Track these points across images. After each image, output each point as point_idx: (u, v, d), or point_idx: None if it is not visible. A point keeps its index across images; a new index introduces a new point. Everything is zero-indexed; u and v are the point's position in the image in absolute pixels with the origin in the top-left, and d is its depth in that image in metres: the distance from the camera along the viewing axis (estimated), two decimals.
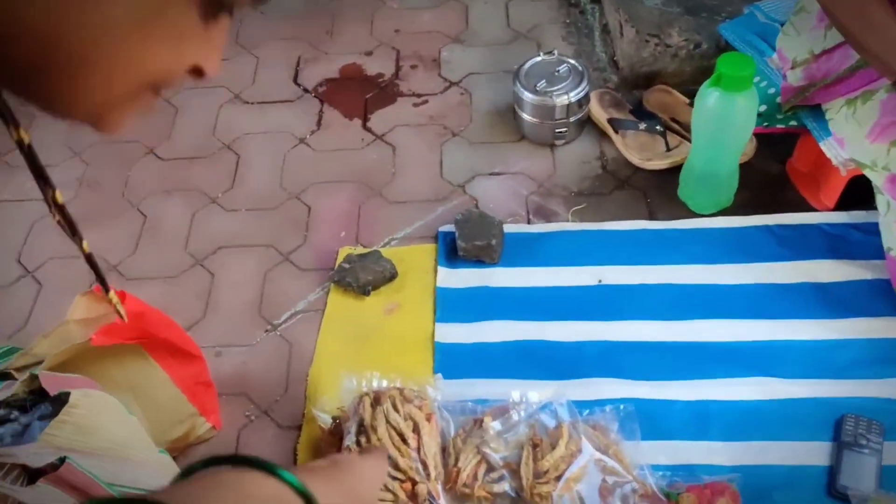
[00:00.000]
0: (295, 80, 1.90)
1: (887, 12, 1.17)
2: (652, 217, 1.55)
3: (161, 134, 1.81)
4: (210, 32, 0.49)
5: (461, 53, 1.92)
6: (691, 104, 1.50)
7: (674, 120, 1.65)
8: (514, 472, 1.15)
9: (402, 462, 1.12)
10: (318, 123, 1.80)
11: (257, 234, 1.59)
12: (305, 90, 1.88)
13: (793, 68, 1.42)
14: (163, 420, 1.21)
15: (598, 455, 1.14)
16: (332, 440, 1.23)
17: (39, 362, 0.98)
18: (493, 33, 1.97)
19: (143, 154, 1.78)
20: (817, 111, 1.43)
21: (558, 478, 1.12)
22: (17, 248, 1.61)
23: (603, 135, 1.70)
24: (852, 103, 1.32)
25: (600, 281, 1.46)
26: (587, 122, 1.71)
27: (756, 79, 1.46)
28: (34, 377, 0.93)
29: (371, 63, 1.93)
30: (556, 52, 1.70)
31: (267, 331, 1.44)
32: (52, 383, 0.90)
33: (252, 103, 1.86)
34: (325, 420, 1.25)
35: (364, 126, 1.79)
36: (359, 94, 1.85)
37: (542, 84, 1.64)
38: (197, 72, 0.52)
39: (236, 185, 1.69)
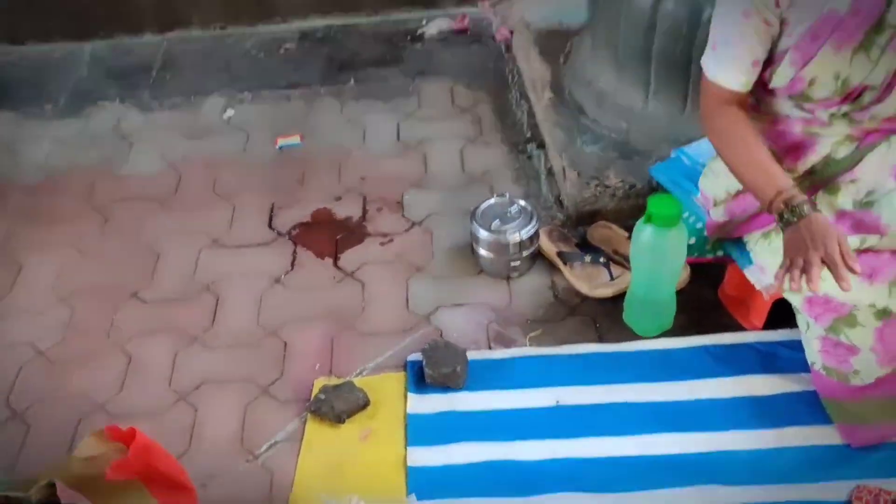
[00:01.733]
0: (269, 225, 2.06)
1: (767, 156, 1.38)
2: (601, 340, 1.70)
3: (144, 278, 1.94)
4: None
5: (422, 196, 2.11)
6: (630, 237, 1.69)
7: (616, 252, 1.83)
8: None
9: None
10: (292, 264, 1.95)
11: (237, 369, 1.70)
12: (279, 234, 2.04)
13: (715, 206, 1.62)
14: None
15: None
16: None
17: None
18: (449, 178, 2.17)
19: (127, 297, 1.89)
20: (740, 242, 1.62)
21: None
22: (5, 391, 1.69)
23: (553, 267, 1.87)
24: (768, 235, 1.52)
25: (558, 402, 1.59)
26: (538, 256, 1.89)
27: (685, 214, 1.66)
28: (50, 485, 1.02)
29: (340, 207, 2.10)
30: (507, 194, 1.89)
31: (248, 461, 1.53)
32: (66, 495, 0.99)
33: (230, 247, 2.01)
34: None
35: (335, 265, 1.94)
36: (329, 236, 2.01)
37: (496, 223, 1.82)
38: None
39: (216, 324, 1.81)
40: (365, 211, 2.09)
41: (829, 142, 1.42)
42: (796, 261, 1.25)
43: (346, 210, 2.09)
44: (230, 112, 2.48)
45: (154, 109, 2.52)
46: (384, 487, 1.44)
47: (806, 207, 1.31)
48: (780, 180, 1.36)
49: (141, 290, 1.91)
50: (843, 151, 1.41)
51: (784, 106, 1.44)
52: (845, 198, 1.41)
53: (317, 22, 2.87)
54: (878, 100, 1.33)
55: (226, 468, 1.51)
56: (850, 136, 1.41)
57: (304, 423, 1.58)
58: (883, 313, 1.34)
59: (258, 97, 2.54)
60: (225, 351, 1.75)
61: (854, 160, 1.40)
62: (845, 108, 1.36)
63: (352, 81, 2.58)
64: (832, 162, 1.41)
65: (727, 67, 1.40)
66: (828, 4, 1.30)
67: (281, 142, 2.33)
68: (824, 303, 1.40)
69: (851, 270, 1.23)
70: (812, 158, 1.43)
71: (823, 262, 1.23)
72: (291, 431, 1.57)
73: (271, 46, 2.78)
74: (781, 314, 1.61)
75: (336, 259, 1.96)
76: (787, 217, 1.32)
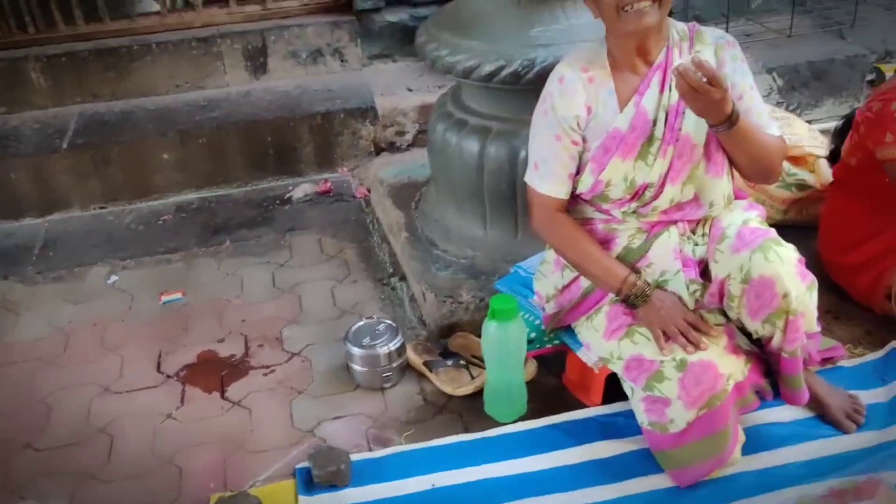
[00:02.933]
0: (158, 370, 2.22)
1: (599, 249, 1.74)
2: (467, 430, 1.94)
3: (36, 430, 2.03)
4: None
5: (299, 331, 2.34)
6: None
7: (473, 356, 2.10)
8: None
9: None
10: (182, 400, 2.11)
11: (135, 496, 1.81)
12: (168, 376, 2.20)
13: (547, 301, 1.95)
14: None
15: None
16: None
17: None
18: (323, 313, 2.42)
19: (20, 448, 1.98)
20: (570, 330, 1.94)
21: None
22: None
23: (421, 375, 2.11)
24: (590, 318, 1.84)
25: (433, 485, 1.79)
26: (407, 368, 2.13)
27: (525, 315, 1.98)
28: None
29: (223, 347, 2.29)
30: (374, 316, 2.16)
31: None
32: None
33: (121, 392, 2.15)
34: None
35: (222, 397, 2.11)
36: (215, 373, 2.19)
37: (366, 340, 2.07)
38: None
39: (112, 459, 1.92)
40: (247, 348, 2.29)
41: (626, 235, 1.79)
42: (668, 331, 1.68)
43: (230, 349, 2.29)
44: (114, 278, 2.66)
45: (38, 283, 2.67)
46: None
47: (648, 290, 1.70)
48: (620, 271, 1.74)
49: (34, 441, 2.00)
50: (636, 242, 1.78)
51: (588, 210, 1.81)
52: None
53: (191, 195, 3.15)
54: (656, 196, 1.73)
55: None
56: (640, 229, 1.79)
57: None
58: (681, 365, 1.66)
59: (140, 263, 2.74)
60: (122, 482, 1.86)
61: (646, 248, 1.77)
62: (634, 205, 1.74)
63: (227, 242, 2.83)
64: (630, 251, 1.78)
65: (550, 181, 1.77)
66: (613, 125, 1.71)
67: (164, 298, 2.52)
68: (637, 365, 1.71)
69: (706, 333, 1.67)
70: (616, 250, 1.79)
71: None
72: None
73: (150, 219, 3.02)
74: (616, 391, 1.91)
75: (223, 392, 2.13)
76: (634, 301, 1.71)
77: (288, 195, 3.10)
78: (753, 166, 1.70)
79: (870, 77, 3.51)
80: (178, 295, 2.54)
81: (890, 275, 2.05)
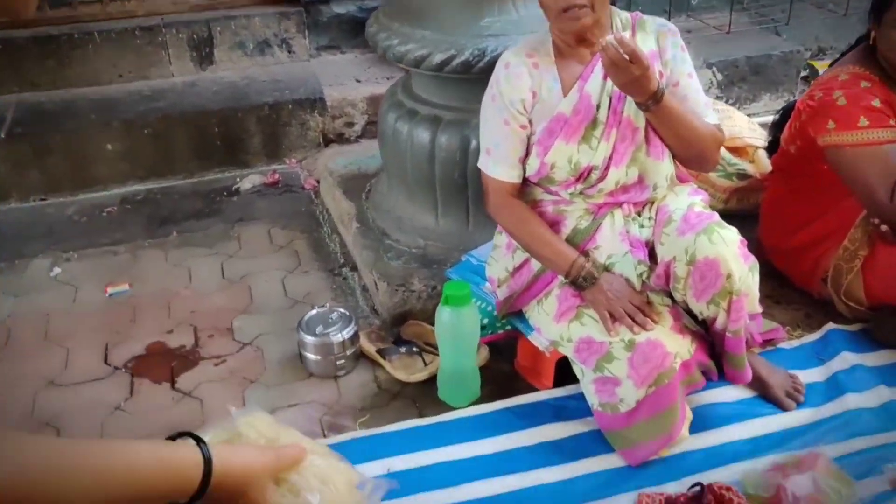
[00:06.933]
0: (105, 361, 2.18)
1: (550, 232, 1.77)
2: (422, 416, 1.95)
3: None
4: None
5: (250, 321, 2.32)
6: None
7: (426, 343, 2.12)
8: None
9: None
10: (131, 392, 2.07)
11: None
12: (116, 368, 2.16)
13: (499, 287, 1.97)
14: None
15: None
16: None
17: None
18: (274, 303, 2.41)
19: None
20: (522, 316, 1.97)
21: None
22: None
23: (374, 363, 2.12)
24: (540, 302, 1.87)
25: (389, 469, 1.80)
26: (360, 357, 2.14)
27: (478, 302, 2.00)
28: None
29: (173, 339, 2.26)
30: (327, 304, 2.16)
31: None
32: None
33: (66, 385, 2.10)
34: None
35: (173, 387, 2.08)
36: (165, 364, 2.16)
37: (319, 328, 2.07)
38: None
39: None
40: (197, 339, 2.26)
41: (574, 217, 1.83)
42: (615, 313, 1.72)
43: (179, 340, 2.26)
44: (57, 270, 2.60)
45: None
46: None
47: (596, 272, 1.74)
48: (569, 253, 1.78)
49: None
50: (584, 223, 1.82)
51: (537, 192, 1.85)
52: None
53: (136, 187, 3.10)
54: (601, 178, 1.77)
55: None
56: (587, 210, 1.82)
57: None
58: (630, 345, 1.70)
59: (84, 255, 2.68)
60: None
61: (593, 228, 1.81)
62: (580, 186, 1.78)
63: (174, 233, 2.79)
64: (578, 233, 1.82)
65: (503, 165, 1.81)
66: (557, 109, 1.75)
67: (110, 290, 2.48)
68: (587, 347, 1.75)
69: (651, 317, 1.71)
70: (564, 231, 1.83)
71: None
72: None
73: (93, 211, 2.96)
74: (567, 376, 1.94)
75: (173, 383, 2.10)
76: (582, 283, 1.75)
77: (236, 186, 3.08)
78: (685, 149, 1.77)
79: (804, 73, 3.64)
80: (125, 287, 2.50)
81: (827, 259, 2.13)
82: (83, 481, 0.85)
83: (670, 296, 1.81)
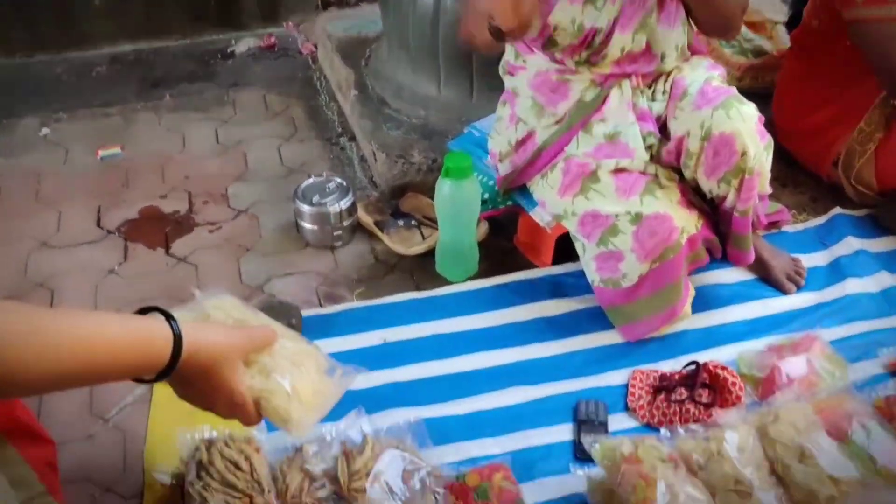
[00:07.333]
0: (98, 225, 2.15)
1: None
2: (419, 289, 1.93)
3: None
4: None
5: (245, 188, 2.27)
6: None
7: (425, 217, 2.08)
8: (334, 479, 1.41)
9: (239, 484, 1.35)
10: (125, 256, 2.05)
11: None
12: (109, 231, 2.13)
13: (501, 161, 1.91)
14: (10, 500, 1.34)
15: (397, 452, 1.44)
16: (173, 494, 1.43)
17: None
18: (270, 171, 2.35)
19: None
20: (525, 190, 1.92)
21: (368, 474, 1.40)
22: None
23: (372, 235, 2.09)
24: (545, 175, 1.82)
25: (385, 340, 1.80)
26: (358, 228, 2.10)
27: (477, 175, 1.94)
28: None
29: (166, 204, 2.22)
30: (324, 173, 2.10)
31: (100, 425, 1.61)
32: None
33: (59, 247, 2.07)
34: (165, 480, 1.45)
35: (167, 253, 2.06)
36: (159, 229, 2.13)
37: (316, 198, 2.02)
38: None
39: None
40: (191, 205, 2.22)
41: (579, 88, 1.74)
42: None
43: (173, 206, 2.22)
44: (46, 130, 2.53)
45: None
46: (236, 425, 1.57)
47: None
48: None
49: None
50: (589, 95, 1.73)
51: (541, 61, 1.75)
52: (598, 134, 1.74)
53: (127, 47, 2.98)
54: (605, 42, 1.67)
55: (77, 435, 1.59)
56: (593, 81, 1.73)
57: (152, 385, 1.68)
58: (637, 218, 1.66)
59: (74, 116, 2.60)
60: None
61: (599, 100, 1.73)
62: (584, 53, 1.69)
63: (167, 97, 2.70)
64: (583, 105, 1.74)
65: None
66: None
67: (102, 153, 2.41)
68: (593, 219, 1.71)
69: None
70: (568, 103, 1.75)
71: None
72: (140, 394, 1.67)
73: (83, 71, 2.85)
74: (566, 254, 1.91)
75: (168, 248, 2.07)
76: None
77: (231, 49, 2.96)
78: (711, 13, 1.66)
79: None
80: (117, 150, 2.43)
81: (840, 141, 2.07)
82: (47, 347, 0.82)
83: (678, 172, 1.75)
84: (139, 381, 0.98)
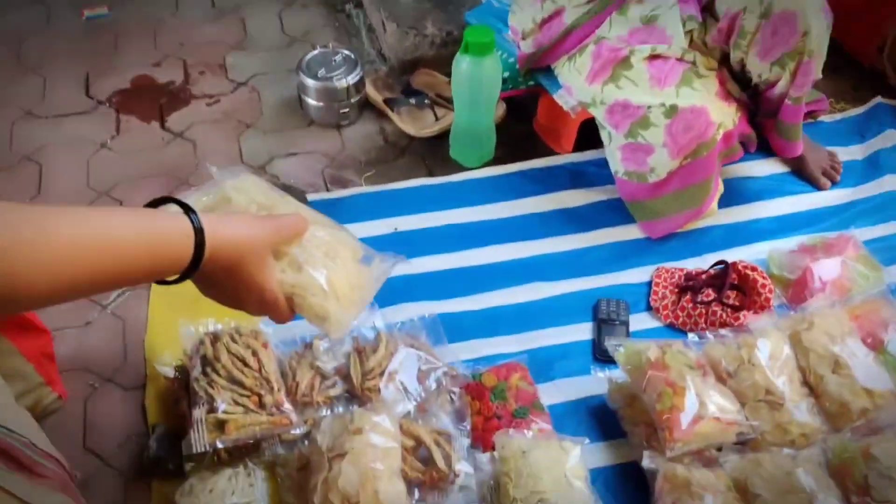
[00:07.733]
0: (87, 94, 2.00)
1: None
2: (431, 174, 1.82)
3: None
4: None
5: (245, 58, 2.11)
6: (449, 82, 1.79)
7: (438, 95, 1.94)
8: (346, 377, 1.35)
9: (247, 381, 1.29)
10: (117, 129, 1.91)
11: None
12: (99, 101, 1.98)
13: (524, 38, 1.76)
14: (8, 392, 1.28)
15: (412, 351, 1.37)
16: (177, 387, 1.37)
17: None
18: (271, 40, 2.18)
19: None
20: (549, 71, 1.78)
21: (382, 373, 1.33)
22: None
23: (381, 114, 1.95)
24: (572, 58, 1.67)
25: (396, 229, 1.71)
26: (366, 105, 1.96)
27: (498, 52, 1.79)
28: None
29: (160, 73, 2.07)
30: (330, 44, 1.94)
31: (98, 312, 1.54)
32: None
33: (46, 117, 1.94)
34: (168, 372, 1.38)
35: (162, 127, 1.92)
36: (153, 101, 1.99)
37: (322, 72, 1.87)
38: None
39: (43, 191, 1.77)
40: (187, 75, 2.07)
41: None
42: None
43: (168, 75, 2.06)
44: None
45: None
46: (240, 315, 1.49)
47: None
48: None
49: None
50: None
51: None
52: (633, 16, 1.58)
53: None
54: None
55: (74, 322, 1.52)
56: None
57: None
58: (671, 110, 1.53)
59: None
60: None
61: None
62: None
63: None
64: None
65: None
66: None
67: (87, 12, 2.23)
68: (622, 109, 1.58)
69: None
70: None
71: None
72: None
73: None
74: (588, 140, 1.79)
75: (163, 122, 1.94)
76: None
77: None
78: None
79: None
80: (104, 10, 2.25)
81: (886, 24, 1.92)
82: (56, 257, 0.71)
83: (719, 59, 1.60)
84: (161, 282, 0.86)
